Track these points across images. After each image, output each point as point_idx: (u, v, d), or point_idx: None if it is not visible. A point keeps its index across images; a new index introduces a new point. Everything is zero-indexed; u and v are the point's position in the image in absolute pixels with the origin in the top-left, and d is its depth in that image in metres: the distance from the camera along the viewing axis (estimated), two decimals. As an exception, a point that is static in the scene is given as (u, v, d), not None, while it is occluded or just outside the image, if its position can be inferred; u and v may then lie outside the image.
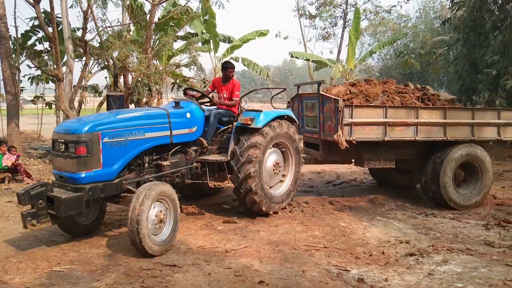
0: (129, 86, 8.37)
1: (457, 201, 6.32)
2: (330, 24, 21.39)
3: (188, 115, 5.21)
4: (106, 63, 9.26)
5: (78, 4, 8.73)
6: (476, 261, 4.08)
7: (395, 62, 24.76)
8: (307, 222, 5.48)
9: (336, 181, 8.44)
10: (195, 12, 9.67)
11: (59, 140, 4.24)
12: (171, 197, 4.36)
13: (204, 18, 11.58)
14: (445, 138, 6.37)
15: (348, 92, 6.67)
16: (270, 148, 5.65)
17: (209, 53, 13.32)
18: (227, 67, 6.02)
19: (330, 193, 7.34)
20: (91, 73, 10.95)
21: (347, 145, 5.86)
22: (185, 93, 5.97)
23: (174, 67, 9.91)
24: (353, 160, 6.88)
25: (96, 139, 4.10)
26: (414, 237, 4.95)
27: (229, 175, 5.43)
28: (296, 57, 16.69)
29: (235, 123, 5.69)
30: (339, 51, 19.96)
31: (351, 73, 16.19)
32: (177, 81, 9.61)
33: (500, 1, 13.83)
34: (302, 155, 6.22)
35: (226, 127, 5.87)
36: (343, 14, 20.58)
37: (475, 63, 14.23)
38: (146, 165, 4.79)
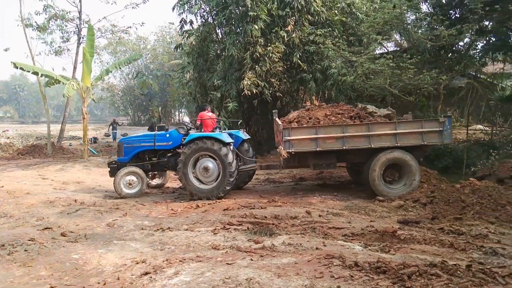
0: None
1: (387, 194, 8.11)
2: (63, 39, 19.86)
3: (168, 135, 9.35)
4: None
5: None
6: (203, 266, 4.40)
7: (137, 82, 25.24)
8: (31, 262, 4.72)
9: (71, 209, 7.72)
10: None
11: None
12: (139, 173, 9.12)
13: None
14: (370, 146, 8.21)
15: (299, 116, 8.92)
16: (201, 157, 8.68)
17: None
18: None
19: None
20: None
21: (288, 155, 8.34)
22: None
23: None
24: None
25: (121, 144, 9.57)
26: (150, 255, 4.98)
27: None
28: (21, 68, 14.62)
29: None
30: (74, 68, 18.69)
31: (88, 91, 15.39)
32: None
33: (220, 35, 16.14)
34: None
35: None
36: (77, 29, 19.47)
37: (205, 86, 16.03)
38: (147, 158, 9.54)
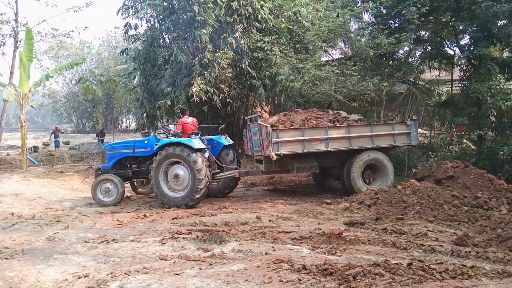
0: None
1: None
2: (-3, 42, 18.65)
3: (146, 141, 9.18)
4: None
5: None
6: (150, 278, 4.27)
7: (80, 88, 24.21)
8: (-42, 283, 4.34)
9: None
10: None
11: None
12: (115, 181, 8.94)
13: None
14: (351, 147, 8.70)
15: (279, 120, 9.12)
16: (173, 164, 8.51)
17: None
18: (178, 112, 10.83)
19: None
20: None
21: (277, 157, 8.35)
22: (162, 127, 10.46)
23: None
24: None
25: (105, 151, 9.56)
26: (93, 268, 4.75)
27: None
28: None
29: None
30: (11, 73, 17.56)
31: (26, 98, 14.50)
32: None
33: (168, 40, 15.85)
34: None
35: None
36: (14, 32, 18.34)
37: (153, 91, 15.65)
38: (128, 165, 9.51)
